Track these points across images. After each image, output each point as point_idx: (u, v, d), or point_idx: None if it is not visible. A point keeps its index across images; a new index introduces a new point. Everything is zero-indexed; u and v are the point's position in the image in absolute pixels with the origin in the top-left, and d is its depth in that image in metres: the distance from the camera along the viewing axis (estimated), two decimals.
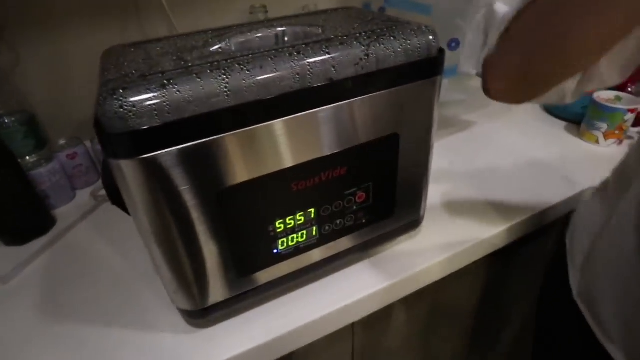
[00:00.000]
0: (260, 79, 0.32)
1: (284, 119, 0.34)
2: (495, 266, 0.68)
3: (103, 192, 0.71)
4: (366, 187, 0.43)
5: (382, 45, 0.36)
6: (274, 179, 0.36)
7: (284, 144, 0.35)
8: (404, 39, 0.37)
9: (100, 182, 0.74)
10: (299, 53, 0.34)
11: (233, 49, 0.40)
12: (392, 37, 0.37)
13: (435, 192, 0.62)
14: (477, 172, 0.68)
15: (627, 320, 0.39)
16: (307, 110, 0.34)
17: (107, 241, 0.60)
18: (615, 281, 0.40)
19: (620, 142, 0.74)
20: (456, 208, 0.60)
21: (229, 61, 0.32)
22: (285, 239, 0.41)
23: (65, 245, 0.60)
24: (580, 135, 0.77)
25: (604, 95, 0.74)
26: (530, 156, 0.71)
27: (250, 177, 0.35)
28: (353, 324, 0.54)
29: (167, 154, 0.30)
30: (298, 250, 0.43)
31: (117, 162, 0.30)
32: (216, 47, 0.39)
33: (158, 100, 0.29)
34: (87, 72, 0.76)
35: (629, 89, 0.77)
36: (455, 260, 0.53)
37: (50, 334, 0.46)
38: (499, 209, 0.59)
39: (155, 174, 0.31)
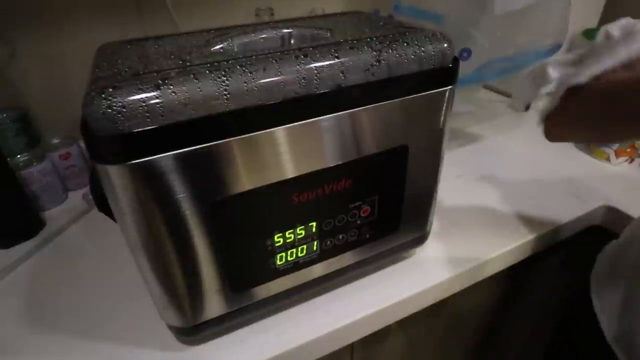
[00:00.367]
0: (263, 82, 0.29)
1: (287, 126, 0.31)
2: (501, 284, 0.65)
3: None
4: (371, 200, 0.40)
5: (395, 52, 0.34)
6: (274, 190, 0.34)
7: (286, 153, 0.32)
8: (418, 46, 0.35)
9: None
10: (305, 56, 0.31)
11: (235, 49, 0.38)
12: (406, 43, 0.35)
13: (442, 206, 0.60)
14: (484, 187, 0.65)
15: None
16: (312, 117, 0.32)
17: (98, 248, 0.57)
18: None
19: (632, 160, 0.72)
20: (463, 224, 0.57)
21: (229, 62, 0.30)
22: (284, 254, 0.39)
23: (53, 250, 0.58)
24: (590, 151, 0.74)
25: None
26: (539, 171, 0.69)
27: (248, 188, 0.33)
28: (352, 343, 0.51)
29: (158, 160, 0.28)
30: (297, 265, 0.40)
31: (103, 167, 0.28)
32: (217, 47, 0.37)
33: (151, 102, 0.26)
34: (84, 69, 0.73)
35: None
36: (460, 279, 0.51)
37: (33, 345, 0.43)
38: (506, 226, 0.57)
39: (145, 182, 0.28)
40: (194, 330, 0.39)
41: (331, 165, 0.35)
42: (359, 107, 0.34)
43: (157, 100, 0.26)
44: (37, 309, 0.48)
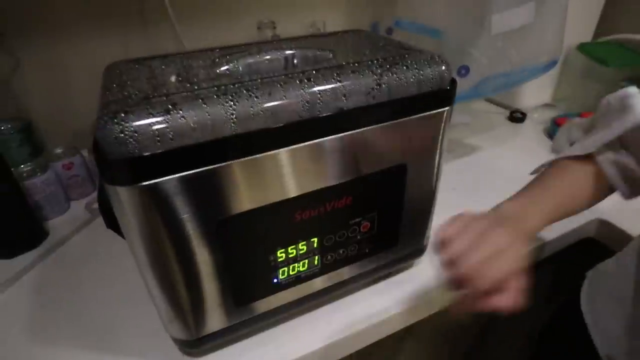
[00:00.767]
0: (269, 106, 0.31)
1: (290, 148, 0.32)
2: None
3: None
4: (371, 216, 0.42)
5: (395, 75, 0.35)
6: (277, 208, 0.35)
7: (290, 173, 0.34)
8: (417, 69, 0.36)
9: (95, 194, 0.72)
10: (309, 80, 0.33)
11: (241, 71, 0.39)
12: (405, 66, 0.36)
13: (438, 219, 0.61)
14: (480, 198, 0.66)
15: None
16: (315, 139, 0.33)
17: (101, 258, 0.58)
18: None
19: None
20: None
21: (236, 86, 0.31)
22: (286, 268, 0.40)
23: (57, 260, 0.58)
24: None
25: None
26: None
27: (253, 206, 0.34)
28: (351, 354, 0.52)
29: (167, 181, 0.29)
30: (299, 279, 0.41)
31: (114, 188, 0.29)
32: (224, 68, 0.38)
33: (161, 126, 0.27)
34: (87, 81, 0.75)
35: None
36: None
37: (32, 355, 0.44)
38: None
39: (155, 202, 0.29)
40: (198, 343, 0.40)
41: (332, 184, 0.36)
42: (360, 128, 0.35)
43: (167, 125, 0.28)
44: (41, 319, 0.48)
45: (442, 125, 0.40)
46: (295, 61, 0.42)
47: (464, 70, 0.58)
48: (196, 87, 0.31)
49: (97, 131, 0.27)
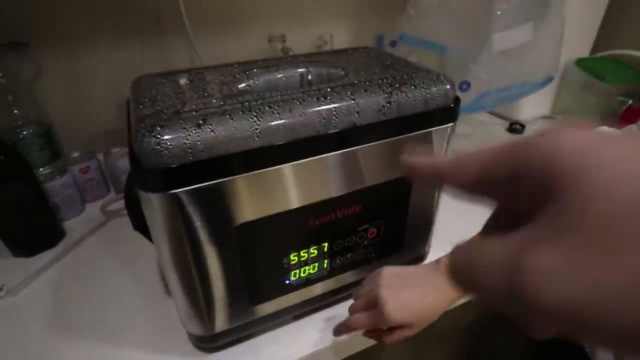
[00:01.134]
0: (289, 122, 0.33)
1: (307, 160, 0.35)
2: None
3: (113, 207, 0.72)
4: (378, 224, 0.44)
5: (404, 94, 0.38)
6: (293, 215, 0.38)
7: (305, 183, 0.37)
8: (424, 88, 0.39)
9: (109, 197, 0.75)
10: (325, 97, 0.35)
11: (260, 87, 0.42)
12: (413, 85, 0.39)
13: (439, 226, 0.63)
14: (480, 207, 0.69)
15: None
16: (330, 152, 0.36)
17: (116, 258, 0.61)
18: None
19: None
20: (458, 242, 0.61)
21: (259, 102, 0.34)
22: (297, 271, 0.43)
23: (73, 259, 0.61)
24: None
25: None
26: None
27: (271, 213, 0.37)
28: (355, 355, 0.55)
29: (196, 189, 0.32)
30: (309, 281, 0.44)
31: (147, 194, 0.32)
32: (244, 84, 0.41)
33: (193, 140, 0.30)
34: (103, 89, 0.78)
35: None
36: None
37: (56, 350, 0.46)
38: None
39: (183, 208, 0.32)
40: (213, 339, 0.43)
41: (344, 193, 0.39)
42: (371, 142, 0.38)
43: (198, 138, 0.30)
44: (60, 316, 0.51)
45: (447, 139, 0.43)
46: (310, 78, 0.45)
47: (465, 85, 0.61)
48: (222, 103, 0.34)
49: (135, 143, 0.30)
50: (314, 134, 0.35)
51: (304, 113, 0.34)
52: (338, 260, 0.45)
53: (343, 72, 0.43)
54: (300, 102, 0.34)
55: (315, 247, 0.42)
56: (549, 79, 0.69)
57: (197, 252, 0.35)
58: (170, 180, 0.31)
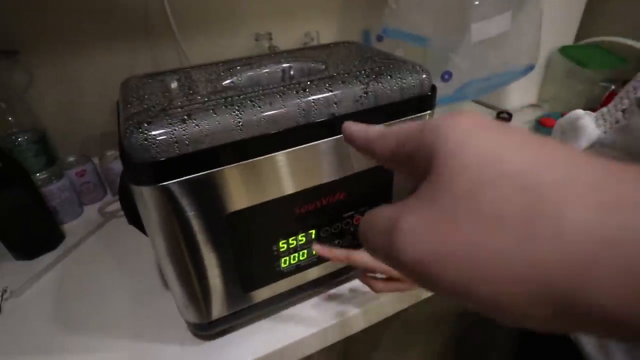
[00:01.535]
0: (270, 114, 0.35)
1: (290, 150, 0.37)
2: None
3: (110, 208, 0.74)
4: (363, 210, 0.46)
5: (380, 84, 0.40)
6: (279, 203, 0.39)
7: (289, 172, 0.38)
8: (400, 78, 0.41)
9: (106, 199, 0.76)
10: (304, 90, 0.37)
11: (244, 83, 0.44)
12: (389, 76, 0.41)
13: None
14: None
15: None
16: (311, 142, 0.38)
17: (115, 256, 0.62)
18: None
19: None
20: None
21: (241, 97, 0.36)
22: (287, 258, 0.44)
23: (74, 260, 0.63)
24: None
25: None
26: None
27: (258, 202, 0.38)
28: (346, 339, 0.57)
29: (184, 181, 0.34)
30: (299, 268, 0.46)
31: (139, 188, 0.33)
32: (228, 81, 0.43)
33: (179, 134, 0.32)
34: (96, 93, 0.80)
35: None
36: None
37: (61, 343, 0.48)
38: None
39: (173, 199, 0.34)
40: (210, 326, 0.44)
41: (327, 181, 0.41)
42: None
43: (183, 133, 0.32)
44: (64, 312, 0.53)
45: None
46: (292, 73, 0.47)
47: (447, 75, 0.63)
48: (206, 99, 0.36)
49: (124, 139, 0.32)
50: (295, 125, 0.36)
51: (284, 105, 0.36)
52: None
53: (323, 66, 0.45)
54: (280, 96, 0.36)
55: (303, 234, 0.44)
56: (530, 67, 0.71)
57: (190, 242, 0.37)
58: (159, 173, 0.33)
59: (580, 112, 0.47)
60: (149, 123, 0.32)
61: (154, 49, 0.81)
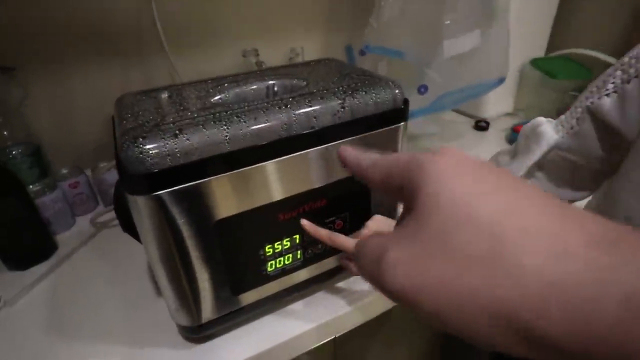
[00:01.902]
0: (254, 128, 0.39)
1: (274, 160, 0.40)
2: None
3: (102, 219, 0.76)
4: (343, 216, 0.50)
5: (356, 99, 0.44)
6: (264, 210, 0.43)
7: (273, 181, 0.42)
8: (374, 93, 0.45)
9: (98, 209, 0.79)
10: (286, 106, 0.41)
11: (231, 99, 0.47)
12: (364, 91, 0.45)
13: None
14: None
15: None
16: (293, 153, 0.41)
17: (107, 265, 0.65)
18: None
19: None
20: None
21: (228, 113, 0.39)
22: (273, 262, 0.47)
23: (67, 269, 0.65)
24: None
25: None
26: None
27: (244, 209, 0.41)
28: (334, 338, 0.59)
29: (176, 190, 0.37)
30: (284, 271, 0.49)
31: (134, 197, 0.36)
32: (217, 97, 0.46)
33: (171, 147, 0.35)
34: (89, 107, 0.83)
35: None
36: None
37: (56, 352, 0.50)
38: None
39: (166, 207, 0.37)
40: (201, 329, 0.47)
41: (309, 189, 0.45)
42: (330, 142, 0.43)
43: (175, 146, 0.35)
44: (58, 321, 0.55)
45: (400, 137, 0.49)
46: (275, 89, 0.50)
47: (423, 89, 0.68)
48: (196, 115, 0.39)
49: (121, 152, 0.35)
50: (278, 138, 0.40)
51: (267, 120, 0.39)
52: (310, 251, 0.50)
53: (305, 83, 0.48)
54: (264, 111, 0.40)
55: (288, 239, 0.47)
56: (501, 80, 0.76)
57: (181, 247, 0.40)
58: (153, 183, 0.36)
59: (541, 119, 0.52)
60: (143, 138, 0.35)
61: (146, 66, 0.84)
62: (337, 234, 0.45)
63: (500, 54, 0.73)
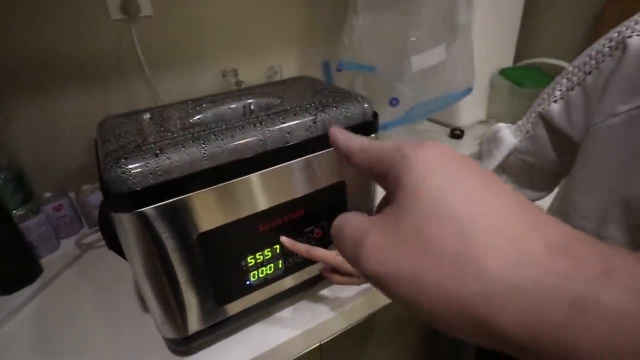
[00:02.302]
0: (232, 146, 0.41)
1: (250, 175, 0.43)
2: None
3: (87, 240, 0.77)
4: (322, 225, 0.52)
5: (327, 114, 0.47)
6: (244, 222, 0.45)
7: (251, 194, 0.44)
8: (345, 108, 0.48)
9: (83, 231, 0.79)
10: (261, 123, 0.43)
11: (209, 119, 0.50)
12: (335, 107, 0.48)
13: None
14: None
15: None
16: (270, 167, 0.44)
17: (93, 286, 0.65)
18: None
19: None
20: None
21: (206, 132, 0.42)
22: (256, 272, 0.49)
23: (53, 292, 0.65)
24: None
25: None
26: None
27: (224, 222, 0.44)
28: (321, 344, 0.61)
29: (158, 207, 0.39)
30: (267, 281, 0.51)
31: (118, 215, 0.38)
32: (196, 118, 0.48)
33: (152, 167, 0.37)
34: (72, 130, 0.84)
35: None
36: None
37: None
38: None
39: (148, 224, 0.39)
40: (188, 341, 0.48)
41: (286, 200, 0.47)
42: (304, 156, 0.46)
43: (156, 165, 0.38)
44: (45, 343, 0.55)
45: None
46: (252, 108, 0.53)
47: (395, 101, 0.71)
48: (176, 135, 0.42)
49: (104, 173, 0.37)
50: (254, 154, 0.42)
51: (243, 137, 0.42)
52: (291, 260, 0.52)
53: (279, 101, 0.51)
54: (240, 129, 0.42)
55: (269, 249, 0.49)
56: (468, 90, 0.80)
57: (165, 261, 0.42)
58: (136, 201, 0.38)
59: (501, 125, 0.56)
60: (125, 158, 0.37)
61: (128, 88, 0.86)
62: (315, 247, 0.47)
63: (465, 65, 0.77)
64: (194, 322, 0.47)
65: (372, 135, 0.51)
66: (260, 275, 0.50)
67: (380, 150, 0.20)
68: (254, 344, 0.52)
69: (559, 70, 1.11)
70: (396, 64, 0.73)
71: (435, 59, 0.71)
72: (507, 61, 1.15)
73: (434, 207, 0.16)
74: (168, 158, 0.38)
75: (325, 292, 0.59)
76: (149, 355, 0.51)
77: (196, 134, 0.41)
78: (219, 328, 0.50)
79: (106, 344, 0.54)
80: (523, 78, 1.06)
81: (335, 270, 0.53)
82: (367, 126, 0.50)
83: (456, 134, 1.11)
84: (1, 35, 0.73)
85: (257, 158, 0.43)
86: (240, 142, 0.42)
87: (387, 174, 0.19)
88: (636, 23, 0.37)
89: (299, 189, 0.48)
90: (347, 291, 0.59)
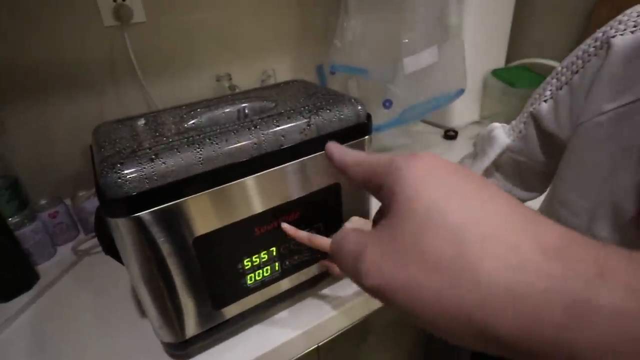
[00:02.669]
0: (227, 149, 0.42)
1: (246, 178, 0.43)
2: None
3: (84, 246, 0.77)
4: (318, 227, 0.53)
5: (321, 117, 0.47)
6: (240, 226, 0.45)
7: (247, 197, 0.44)
8: (338, 111, 0.49)
9: (79, 238, 0.79)
10: (255, 127, 0.44)
11: (204, 123, 0.50)
12: (329, 109, 0.48)
13: None
14: None
15: None
16: (265, 170, 0.44)
17: (89, 292, 0.65)
18: None
19: None
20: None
21: (201, 136, 0.42)
22: (252, 274, 0.50)
23: (50, 298, 0.65)
24: None
25: None
26: None
27: (221, 225, 0.44)
28: (318, 346, 0.61)
29: (154, 211, 0.39)
30: (264, 283, 0.51)
31: (114, 220, 0.38)
32: (191, 122, 0.49)
33: (148, 171, 0.38)
34: (67, 137, 0.84)
35: None
36: None
37: None
38: None
39: (145, 228, 0.39)
40: (185, 345, 0.48)
41: (282, 203, 0.47)
42: (298, 158, 0.46)
43: (152, 170, 0.38)
44: (42, 350, 0.55)
45: (365, 149, 0.53)
46: (246, 112, 0.53)
47: (388, 103, 0.72)
48: (171, 140, 0.42)
49: (100, 179, 0.37)
50: (249, 157, 0.43)
51: (238, 141, 0.42)
52: (287, 262, 0.52)
53: (273, 104, 0.52)
54: (235, 133, 0.43)
55: (265, 252, 0.49)
56: (461, 91, 0.81)
57: (162, 265, 0.42)
58: (132, 206, 0.38)
59: (495, 124, 0.56)
60: (121, 164, 0.38)
61: (122, 95, 0.86)
62: (316, 235, 0.47)
63: (457, 67, 0.78)
64: (192, 326, 0.48)
65: (366, 137, 0.52)
66: (257, 278, 0.50)
67: (374, 164, 0.20)
68: (252, 346, 0.52)
69: (550, 70, 1.11)
70: (388, 66, 0.74)
71: (427, 60, 0.72)
72: (499, 62, 1.17)
73: (428, 217, 0.17)
74: (163, 163, 0.39)
75: (322, 293, 0.60)
76: (144, 358, 0.51)
77: (191, 138, 0.42)
78: (216, 331, 0.50)
79: (104, 349, 0.54)
80: (515, 78, 1.07)
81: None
82: (360, 128, 0.51)
83: (450, 134, 1.11)
84: None
85: (252, 161, 0.43)
86: (235, 145, 0.42)
87: (381, 187, 0.20)
88: (620, 23, 0.38)
89: (294, 192, 0.48)
90: (345, 291, 0.59)
